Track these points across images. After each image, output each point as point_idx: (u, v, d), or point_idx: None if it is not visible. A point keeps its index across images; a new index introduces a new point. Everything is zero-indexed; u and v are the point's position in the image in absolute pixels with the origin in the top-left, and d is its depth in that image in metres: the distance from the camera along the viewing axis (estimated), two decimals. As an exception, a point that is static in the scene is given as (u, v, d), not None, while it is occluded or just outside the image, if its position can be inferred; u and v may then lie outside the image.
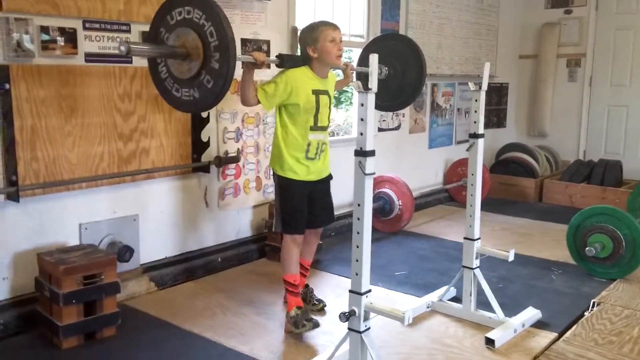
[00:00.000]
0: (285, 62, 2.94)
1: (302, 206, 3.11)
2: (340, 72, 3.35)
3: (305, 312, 3.05)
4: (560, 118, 7.09)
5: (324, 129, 3.09)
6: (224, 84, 2.33)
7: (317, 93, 3.00)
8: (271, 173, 4.12)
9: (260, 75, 3.35)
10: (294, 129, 3.00)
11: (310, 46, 2.96)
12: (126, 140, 3.30)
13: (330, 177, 3.26)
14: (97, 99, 3.14)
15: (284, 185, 3.08)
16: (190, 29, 2.37)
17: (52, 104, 2.96)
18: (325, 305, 3.33)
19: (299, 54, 3.27)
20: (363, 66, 3.41)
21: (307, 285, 3.41)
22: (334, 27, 3.00)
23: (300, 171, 3.05)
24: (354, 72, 3.36)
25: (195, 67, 2.38)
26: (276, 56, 2.95)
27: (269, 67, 3.02)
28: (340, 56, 3.02)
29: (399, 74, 3.46)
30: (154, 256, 3.58)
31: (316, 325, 3.04)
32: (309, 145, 3.02)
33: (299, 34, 3.12)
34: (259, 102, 2.91)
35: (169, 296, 3.45)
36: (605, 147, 6.86)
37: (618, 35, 6.67)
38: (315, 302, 3.34)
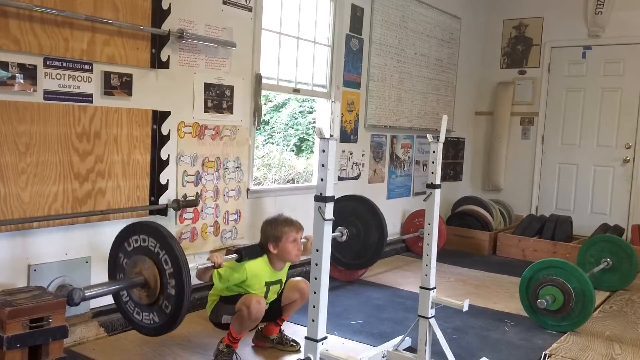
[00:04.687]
0: (244, 257, 3.06)
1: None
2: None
3: (230, 354, 3.09)
4: (514, 173, 7.30)
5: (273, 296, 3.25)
6: (181, 308, 2.50)
7: (269, 284, 3.17)
8: (230, 218, 4.15)
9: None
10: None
11: (272, 242, 3.13)
12: (82, 180, 3.24)
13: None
14: (54, 137, 3.09)
15: (230, 297, 3.15)
16: (146, 257, 2.53)
17: (7, 141, 2.90)
18: (300, 346, 3.32)
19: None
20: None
21: (281, 330, 3.43)
22: (297, 228, 3.17)
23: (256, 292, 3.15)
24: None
25: (153, 294, 2.54)
26: (235, 252, 3.06)
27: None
28: (298, 255, 3.18)
29: (361, 235, 3.57)
30: (104, 300, 3.46)
31: None
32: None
33: (262, 225, 3.24)
34: (211, 280, 3.03)
35: (119, 342, 3.34)
36: (556, 203, 7.08)
37: (569, 97, 6.97)
38: (292, 343, 3.37)
